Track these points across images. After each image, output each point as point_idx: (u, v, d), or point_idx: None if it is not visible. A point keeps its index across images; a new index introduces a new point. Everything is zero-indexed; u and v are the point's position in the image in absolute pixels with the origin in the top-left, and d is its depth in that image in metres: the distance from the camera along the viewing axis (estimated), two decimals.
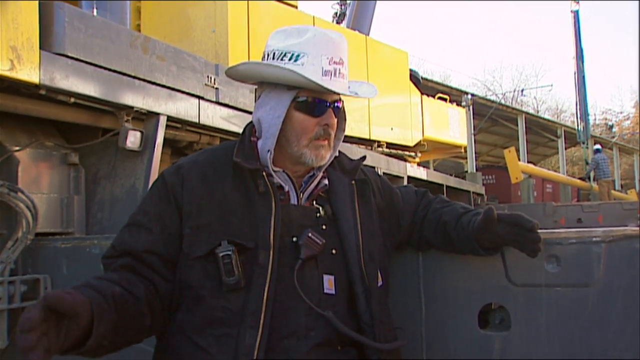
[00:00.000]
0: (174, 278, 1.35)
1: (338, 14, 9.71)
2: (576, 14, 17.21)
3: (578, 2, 17.28)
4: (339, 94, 1.41)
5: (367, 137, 6.26)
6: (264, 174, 1.38)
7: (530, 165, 14.79)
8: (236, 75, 1.47)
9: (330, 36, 1.39)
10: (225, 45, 4.50)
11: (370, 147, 6.34)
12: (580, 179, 16.29)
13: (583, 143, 17.04)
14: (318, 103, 1.38)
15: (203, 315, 1.31)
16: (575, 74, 17.07)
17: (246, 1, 4.73)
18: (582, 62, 17.02)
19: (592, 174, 15.09)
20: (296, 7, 5.62)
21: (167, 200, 1.37)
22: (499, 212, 1.44)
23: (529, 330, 1.51)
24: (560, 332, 1.48)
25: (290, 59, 1.35)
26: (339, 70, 1.38)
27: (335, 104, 1.41)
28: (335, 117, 1.42)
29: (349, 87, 1.44)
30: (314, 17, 5.71)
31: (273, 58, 1.38)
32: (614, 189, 17.46)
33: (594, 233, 1.48)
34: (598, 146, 15.86)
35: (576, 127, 17.49)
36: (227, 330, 1.28)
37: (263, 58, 1.42)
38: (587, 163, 16.62)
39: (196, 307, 1.32)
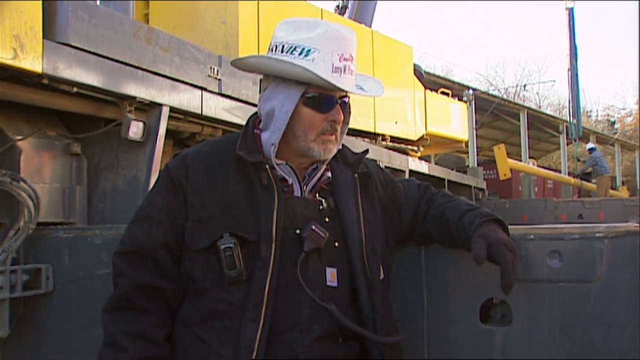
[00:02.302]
0: (179, 274, 1.36)
1: (340, 7, 9.63)
2: (571, 12, 17.08)
3: (573, 0, 17.16)
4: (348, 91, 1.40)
5: (372, 130, 6.25)
6: (267, 166, 1.37)
7: (520, 163, 14.78)
8: (243, 67, 1.46)
9: (341, 32, 1.37)
10: (235, 36, 4.46)
11: (374, 141, 6.34)
12: (574, 176, 16.24)
13: (575, 140, 16.99)
14: (326, 99, 1.37)
15: (205, 308, 1.31)
16: (568, 71, 16.99)
17: None
18: (576, 59, 16.92)
19: (590, 171, 15.04)
20: None
21: (175, 192, 1.37)
22: (490, 242, 1.38)
23: (531, 325, 1.52)
24: (562, 327, 1.48)
25: (300, 54, 1.33)
26: (348, 66, 1.36)
27: (343, 100, 1.41)
28: (342, 112, 1.41)
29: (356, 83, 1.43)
30: (322, 10, 5.69)
31: (282, 51, 1.36)
32: (614, 186, 17.34)
33: (597, 229, 1.48)
34: (591, 144, 15.84)
35: (569, 124, 17.43)
36: (228, 323, 1.28)
37: (270, 49, 1.40)
38: (577, 160, 16.58)
39: (198, 300, 1.33)
